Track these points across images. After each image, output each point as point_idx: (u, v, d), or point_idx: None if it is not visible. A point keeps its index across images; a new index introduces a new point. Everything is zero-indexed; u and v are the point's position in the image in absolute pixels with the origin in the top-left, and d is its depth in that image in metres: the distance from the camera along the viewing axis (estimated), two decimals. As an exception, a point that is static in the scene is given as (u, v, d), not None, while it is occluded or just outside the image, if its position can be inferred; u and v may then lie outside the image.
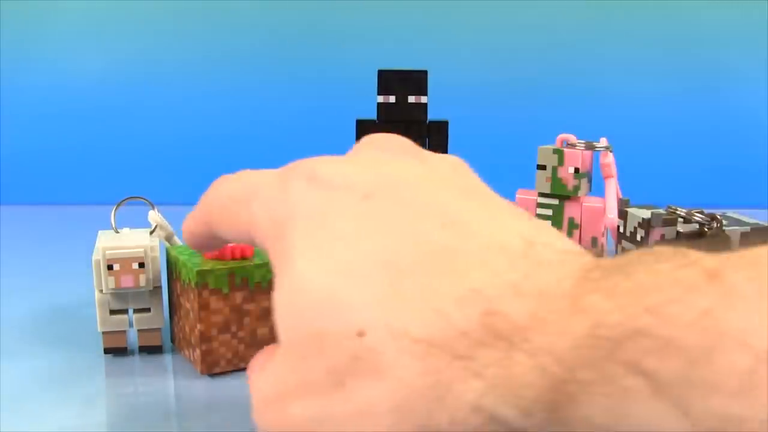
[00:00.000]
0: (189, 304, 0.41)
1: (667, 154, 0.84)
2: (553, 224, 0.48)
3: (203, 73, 0.84)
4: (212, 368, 0.41)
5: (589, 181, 0.49)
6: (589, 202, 0.47)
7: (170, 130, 0.84)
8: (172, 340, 0.45)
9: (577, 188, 0.47)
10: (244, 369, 0.42)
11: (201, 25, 0.83)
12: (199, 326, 0.40)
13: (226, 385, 0.41)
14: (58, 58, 0.83)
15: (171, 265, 0.43)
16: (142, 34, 0.83)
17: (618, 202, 0.46)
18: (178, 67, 0.83)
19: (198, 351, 0.41)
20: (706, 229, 0.41)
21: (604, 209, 0.47)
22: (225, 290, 0.40)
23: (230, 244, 0.41)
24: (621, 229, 0.43)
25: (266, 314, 0.42)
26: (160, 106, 0.84)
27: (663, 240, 0.41)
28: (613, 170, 0.47)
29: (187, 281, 0.41)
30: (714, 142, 0.84)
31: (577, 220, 0.47)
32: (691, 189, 0.83)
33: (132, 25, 0.83)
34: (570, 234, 0.47)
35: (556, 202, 0.48)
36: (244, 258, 0.41)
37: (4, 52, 0.83)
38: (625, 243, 0.43)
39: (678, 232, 0.41)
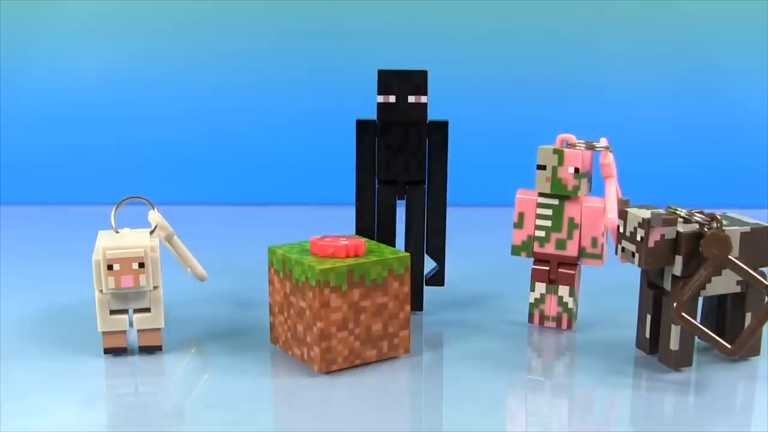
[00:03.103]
0: (305, 302, 0.41)
1: (667, 154, 0.84)
2: (553, 224, 0.48)
3: (203, 73, 0.84)
4: (330, 366, 0.41)
5: (589, 181, 0.49)
6: (589, 202, 0.47)
7: (170, 130, 0.84)
8: (273, 341, 0.45)
9: (577, 188, 0.47)
10: (358, 366, 0.42)
11: (201, 25, 0.83)
12: (318, 324, 0.41)
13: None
14: (58, 58, 0.83)
15: (276, 263, 0.44)
16: (142, 34, 0.83)
17: (618, 202, 0.46)
18: (177, 67, 0.83)
19: (317, 349, 0.41)
20: (706, 229, 0.41)
21: (604, 209, 0.47)
22: (344, 288, 0.41)
23: (344, 243, 0.42)
24: (621, 229, 0.43)
25: (380, 310, 0.42)
26: (160, 107, 0.84)
27: (663, 240, 0.41)
28: (613, 170, 0.47)
29: (303, 279, 0.41)
30: (714, 142, 0.84)
31: (577, 220, 0.47)
32: (691, 189, 0.83)
33: (132, 25, 0.83)
34: (570, 234, 0.47)
35: (556, 202, 0.48)
36: (357, 256, 0.42)
37: (4, 52, 0.83)
38: (625, 243, 0.43)
39: (678, 232, 0.41)
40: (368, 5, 0.83)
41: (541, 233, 0.48)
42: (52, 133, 0.84)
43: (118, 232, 0.45)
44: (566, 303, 0.48)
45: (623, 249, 0.43)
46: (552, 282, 0.48)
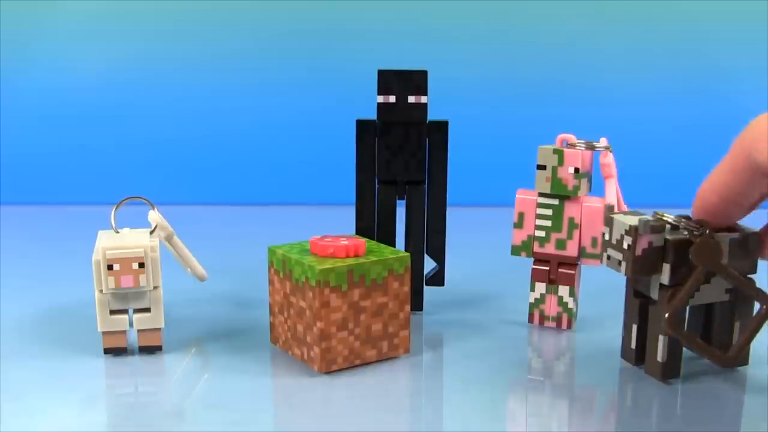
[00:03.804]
0: (305, 302, 0.41)
1: (667, 154, 0.84)
2: (553, 224, 0.48)
3: (203, 73, 0.84)
4: (330, 366, 0.41)
5: (589, 181, 0.49)
6: (589, 202, 0.47)
7: (170, 130, 0.84)
8: (273, 341, 0.45)
9: (577, 188, 0.47)
10: (358, 366, 0.42)
11: (201, 25, 0.83)
12: (318, 324, 0.41)
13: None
14: (58, 58, 0.83)
15: (276, 263, 0.44)
16: (142, 34, 0.83)
17: (604, 208, 0.46)
18: (177, 67, 0.83)
19: (317, 349, 0.41)
20: (695, 236, 0.39)
21: (604, 209, 0.47)
22: (344, 288, 0.41)
23: (344, 243, 0.42)
24: (606, 237, 0.41)
25: (380, 310, 0.42)
26: (160, 106, 0.84)
27: (651, 248, 0.39)
28: (613, 170, 0.47)
29: (303, 279, 0.41)
30: (714, 142, 0.84)
31: (577, 220, 0.47)
32: (691, 189, 0.83)
33: (132, 25, 0.83)
34: (570, 234, 0.47)
35: (556, 202, 0.48)
36: (357, 256, 0.42)
37: (4, 52, 0.83)
38: (611, 251, 0.41)
39: (666, 240, 0.39)
40: (368, 5, 0.83)
41: (541, 233, 0.48)
42: (52, 133, 0.84)
43: (118, 232, 0.45)
44: (566, 303, 0.48)
45: (609, 257, 0.41)
46: (552, 282, 0.48)
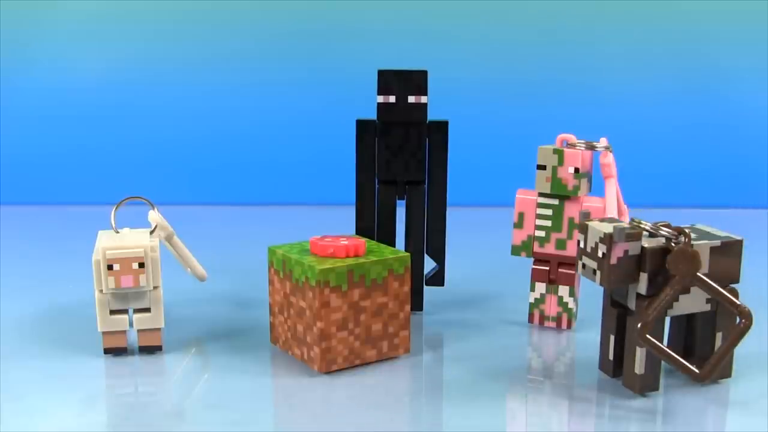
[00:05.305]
0: (305, 302, 0.41)
1: (667, 154, 0.84)
2: (553, 224, 0.48)
3: (203, 73, 0.84)
4: (330, 366, 0.41)
5: (589, 181, 0.49)
6: (589, 202, 0.48)
7: (170, 130, 0.84)
8: (273, 341, 0.45)
9: (577, 188, 0.47)
10: (358, 366, 0.42)
11: (200, 25, 0.83)
12: (318, 324, 0.41)
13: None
14: (58, 58, 0.83)
15: (276, 263, 0.44)
16: (142, 34, 0.83)
17: (579, 216, 0.46)
18: (177, 67, 0.83)
19: (317, 349, 0.41)
20: (673, 244, 0.38)
21: (604, 209, 0.47)
22: (344, 288, 0.41)
23: (344, 243, 0.42)
24: (581, 244, 0.40)
25: (380, 310, 0.42)
26: (160, 106, 0.84)
27: (626, 256, 0.38)
28: (613, 170, 0.47)
29: (303, 279, 0.41)
30: (714, 142, 0.84)
31: (577, 221, 0.47)
32: (691, 189, 0.83)
33: (132, 25, 0.83)
34: (570, 234, 0.47)
35: (556, 202, 0.48)
36: (357, 256, 0.42)
37: (4, 52, 0.82)
38: (585, 259, 0.39)
39: (643, 248, 0.38)
40: (368, 5, 0.83)
41: (541, 233, 0.48)
42: (52, 133, 0.84)
43: (118, 232, 0.45)
44: (566, 303, 0.48)
45: (584, 266, 0.40)
46: (552, 282, 0.48)
